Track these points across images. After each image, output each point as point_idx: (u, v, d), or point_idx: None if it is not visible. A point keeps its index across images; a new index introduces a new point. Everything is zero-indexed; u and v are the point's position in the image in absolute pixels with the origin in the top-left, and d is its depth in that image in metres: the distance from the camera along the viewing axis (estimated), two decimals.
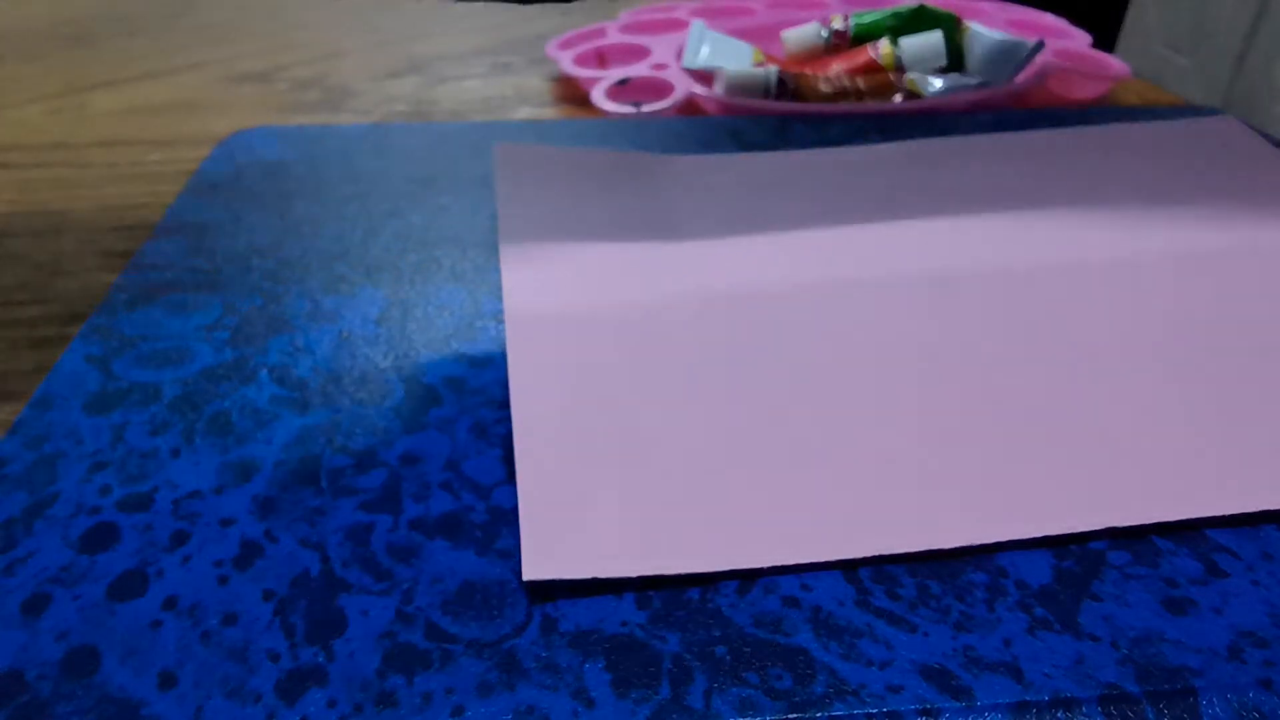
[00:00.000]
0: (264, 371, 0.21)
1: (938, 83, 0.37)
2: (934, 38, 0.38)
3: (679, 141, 0.32)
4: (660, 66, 0.39)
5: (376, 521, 0.17)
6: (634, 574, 0.16)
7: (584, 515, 0.17)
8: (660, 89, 0.37)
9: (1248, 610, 0.16)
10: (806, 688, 0.14)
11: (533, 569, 0.16)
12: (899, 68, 0.38)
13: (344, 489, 0.18)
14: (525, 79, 0.42)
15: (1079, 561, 0.17)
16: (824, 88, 0.37)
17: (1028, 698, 0.14)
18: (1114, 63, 0.39)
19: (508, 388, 0.21)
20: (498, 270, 0.25)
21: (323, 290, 0.24)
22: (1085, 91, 0.39)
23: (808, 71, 0.39)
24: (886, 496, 0.18)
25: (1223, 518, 0.18)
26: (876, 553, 0.17)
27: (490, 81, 0.42)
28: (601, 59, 0.42)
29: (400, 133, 0.33)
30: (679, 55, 0.40)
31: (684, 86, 0.37)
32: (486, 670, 0.15)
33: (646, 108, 0.36)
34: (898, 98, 0.37)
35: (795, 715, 0.14)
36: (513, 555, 0.17)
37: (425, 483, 0.18)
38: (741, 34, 0.43)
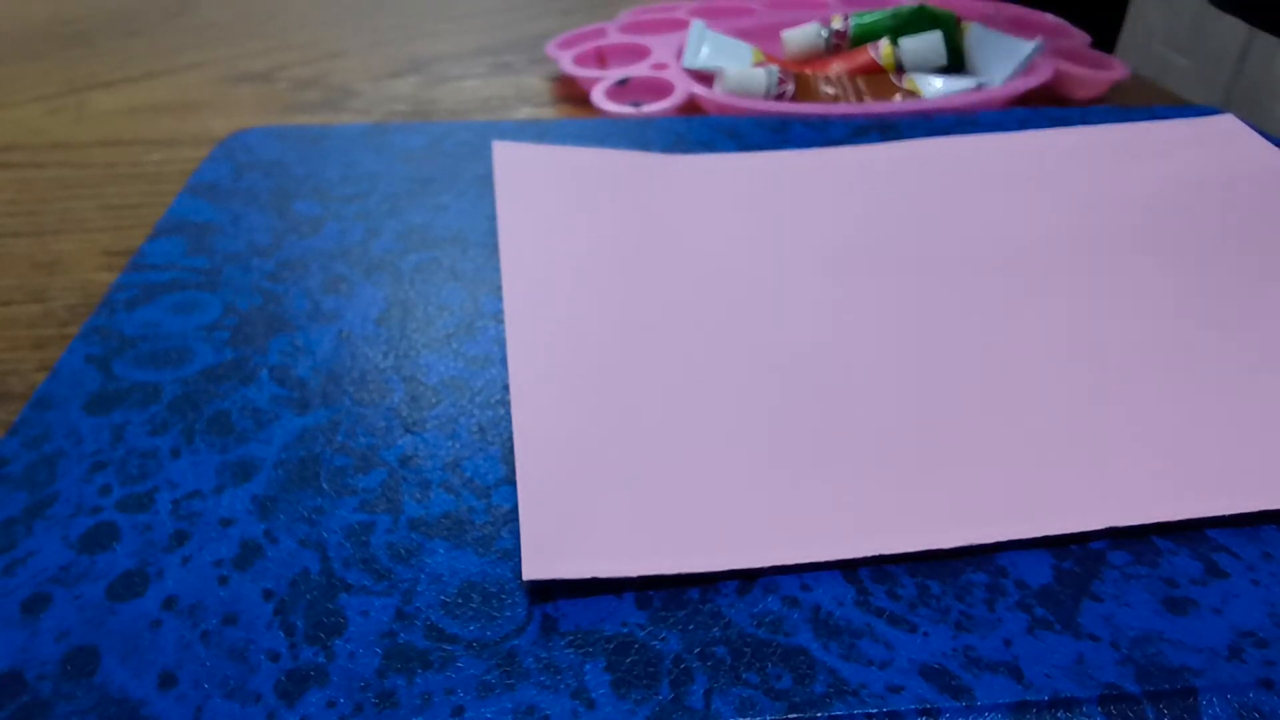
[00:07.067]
0: (264, 371, 0.21)
1: (938, 83, 0.37)
2: (934, 38, 0.38)
3: (679, 141, 0.32)
4: (660, 66, 0.39)
5: (376, 521, 0.17)
6: (634, 574, 0.16)
7: (584, 515, 0.17)
8: (660, 89, 0.37)
9: (1248, 610, 0.16)
10: (806, 688, 0.14)
11: (533, 569, 0.16)
12: (899, 68, 0.38)
13: (344, 489, 0.18)
14: (525, 79, 0.42)
15: (1079, 561, 0.17)
16: (824, 88, 0.37)
17: (1028, 698, 0.14)
18: (1114, 62, 0.39)
19: (508, 388, 0.21)
20: (498, 270, 0.25)
21: (323, 290, 0.24)
22: (1085, 91, 0.39)
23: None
24: (886, 496, 0.18)
25: (1223, 518, 0.18)
26: (876, 553, 0.17)
27: (490, 81, 0.41)
28: (601, 59, 0.42)
29: (400, 133, 0.33)
30: (679, 55, 0.40)
31: (684, 86, 0.37)
32: (486, 670, 0.15)
33: (646, 108, 0.36)
34: (898, 98, 0.37)
35: (795, 715, 0.14)
36: (513, 555, 0.17)
37: (425, 483, 0.18)
38: (741, 34, 0.43)
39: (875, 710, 0.14)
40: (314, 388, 0.21)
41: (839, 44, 0.41)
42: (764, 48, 0.41)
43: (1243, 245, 0.26)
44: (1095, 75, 0.38)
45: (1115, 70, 0.39)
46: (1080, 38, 0.43)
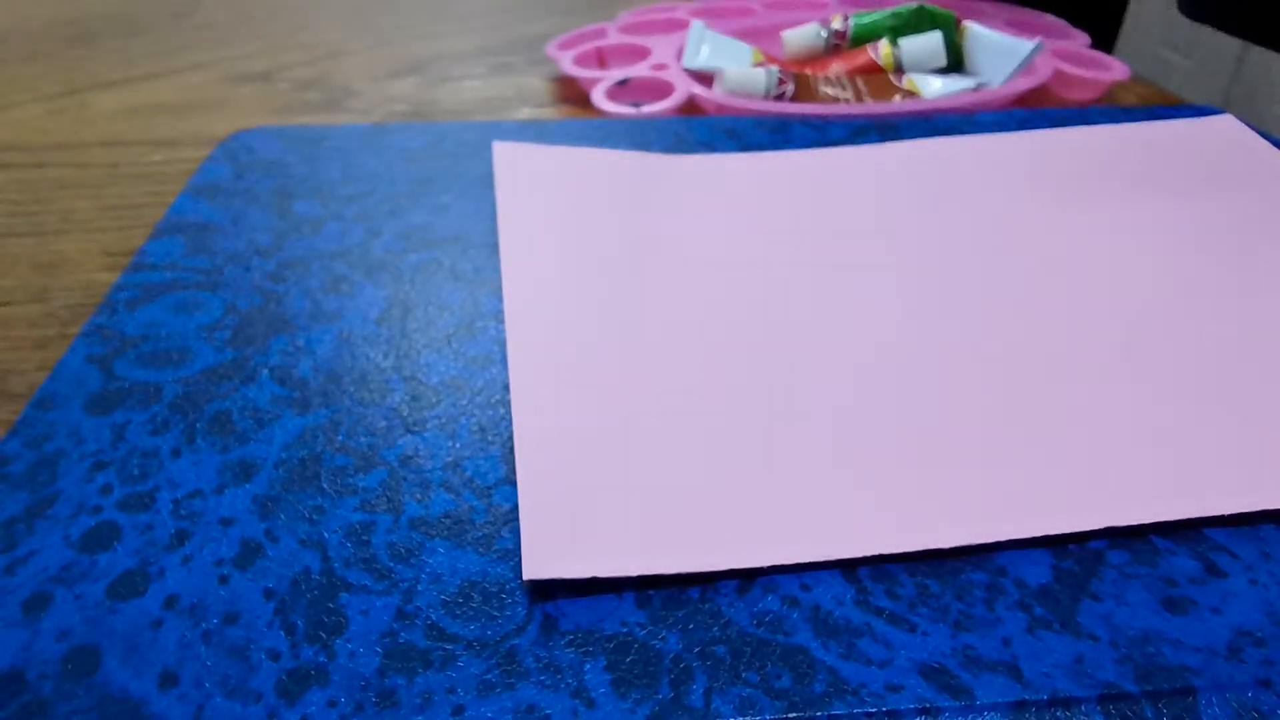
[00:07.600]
0: (264, 371, 0.21)
1: (938, 83, 0.37)
2: (934, 38, 0.38)
3: (679, 141, 0.32)
4: (660, 66, 0.39)
5: (377, 521, 0.17)
6: (634, 573, 0.16)
7: (584, 515, 0.17)
8: (660, 89, 0.37)
9: (1247, 610, 0.16)
10: (806, 687, 0.14)
11: (533, 568, 0.16)
12: (899, 68, 0.38)
13: (344, 488, 0.18)
14: (525, 79, 0.42)
15: (1079, 561, 0.17)
16: (824, 88, 0.37)
17: (1027, 697, 0.14)
18: (1114, 63, 0.39)
19: (508, 388, 0.21)
20: (498, 270, 0.25)
21: (323, 290, 0.24)
22: (1085, 91, 0.39)
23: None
24: (886, 496, 0.18)
25: (1222, 518, 0.18)
26: (876, 552, 0.17)
27: (490, 81, 0.42)
28: (601, 59, 0.42)
29: (400, 133, 0.33)
30: (679, 55, 0.40)
31: (684, 86, 0.37)
32: (487, 670, 0.15)
33: (646, 108, 0.36)
34: (897, 98, 0.37)
35: (795, 715, 0.14)
36: (513, 555, 0.17)
37: (426, 482, 0.18)
38: (741, 34, 0.43)
39: (875, 710, 0.14)
40: (314, 387, 0.21)
41: (839, 44, 0.41)
42: (764, 48, 0.41)
43: (1242, 245, 0.26)
44: (1095, 75, 0.38)
45: (1115, 70, 0.39)
46: (1080, 38, 0.43)
